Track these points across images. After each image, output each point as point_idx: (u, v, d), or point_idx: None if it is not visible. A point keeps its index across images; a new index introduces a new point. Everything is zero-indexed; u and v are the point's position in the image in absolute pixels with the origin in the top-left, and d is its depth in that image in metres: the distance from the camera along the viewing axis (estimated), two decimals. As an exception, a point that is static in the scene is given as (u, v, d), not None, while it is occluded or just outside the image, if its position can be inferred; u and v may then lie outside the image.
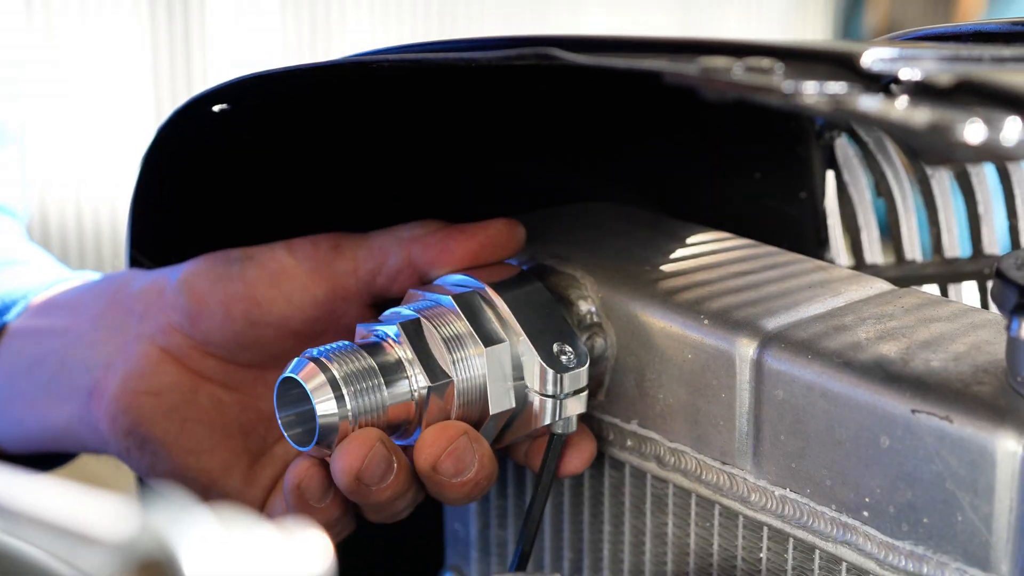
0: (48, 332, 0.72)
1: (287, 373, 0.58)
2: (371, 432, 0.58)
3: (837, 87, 0.40)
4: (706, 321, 0.59)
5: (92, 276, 0.78)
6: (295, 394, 0.58)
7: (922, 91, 0.40)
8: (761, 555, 0.59)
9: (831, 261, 0.84)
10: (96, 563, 0.22)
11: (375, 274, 0.64)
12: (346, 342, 0.59)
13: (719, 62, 0.41)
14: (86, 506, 0.23)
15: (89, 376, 0.68)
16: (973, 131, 0.36)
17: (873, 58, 0.43)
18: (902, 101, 0.39)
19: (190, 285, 0.65)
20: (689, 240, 0.69)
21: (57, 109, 2.26)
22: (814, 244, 0.84)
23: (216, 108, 0.65)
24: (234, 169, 0.72)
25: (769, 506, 0.58)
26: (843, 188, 0.84)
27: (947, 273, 0.85)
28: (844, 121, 0.77)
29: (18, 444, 0.73)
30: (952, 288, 0.86)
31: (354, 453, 0.57)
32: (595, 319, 0.64)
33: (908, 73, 0.41)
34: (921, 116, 0.36)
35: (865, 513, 0.54)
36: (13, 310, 0.75)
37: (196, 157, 0.71)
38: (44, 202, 2.28)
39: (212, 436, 0.66)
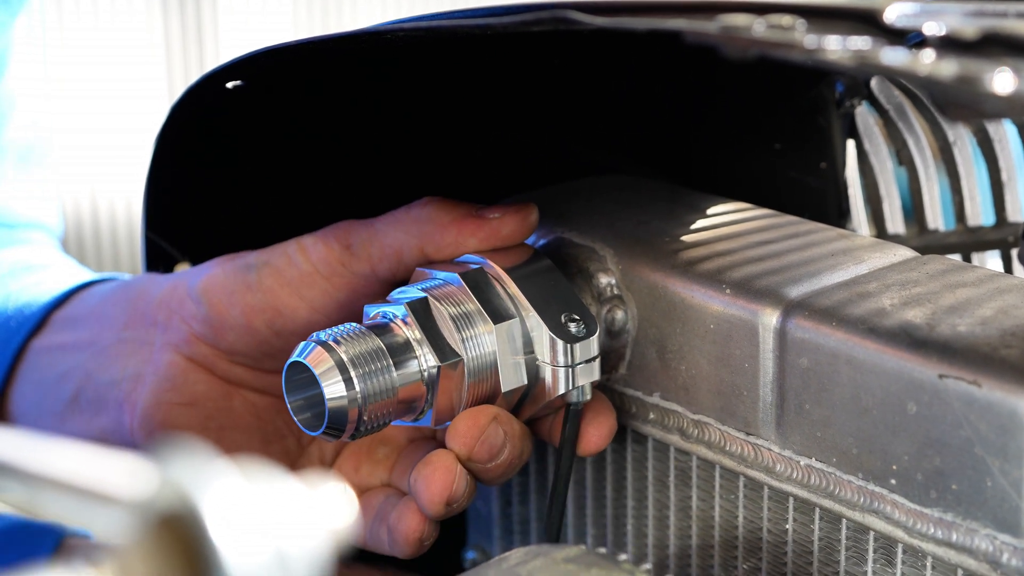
0: (72, 347, 0.71)
1: (294, 357, 0.57)
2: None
3: (861, 42, 0.39)
4: (728, 290, 0.59)
5: (111, 277, 0.77)
6: (304, 378, 0.57)
7: (948, 44, 0.39)
8: (787, 526, 0.59)
9: (853, 231, 0.83)
10: (116, 522, 0.21)
11: (393, 272, 0.63)
12: (354, 324, 0.58)
13: (740, 19, 0.41)
14: (104, 465, 0.23)
15: (117, 389, 0.67)
16: (1002, 81, 0.35)
17: (896, 13, 0.42)
18: (928, 54, 0.38)
19: (209, 295, 0.64)
20: (708, 211, 0.68)
21: (70, 107, 2.27)
22: (835, 215, 0.83)
23: (230, 84, 0.65)
24: (248, 145, 0.72)
25: (795, 476, 0.57)
26: (864, 157, 0.83)
27: (970, 242, 0.84)
28: (867, 78, 0.76)
29: None
30: (976, 257, 0.85)
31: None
32: (615, 291, 0.63)
33: (933, 27, 0.40)
34: (948, 68, 0.36)
35: (892, 481, 0.53)
36: (33, 325, 0.74)
37: (210, 134, 0.71)
38: (60, 202, 2.28)
39: (251, 442, 0.65)
